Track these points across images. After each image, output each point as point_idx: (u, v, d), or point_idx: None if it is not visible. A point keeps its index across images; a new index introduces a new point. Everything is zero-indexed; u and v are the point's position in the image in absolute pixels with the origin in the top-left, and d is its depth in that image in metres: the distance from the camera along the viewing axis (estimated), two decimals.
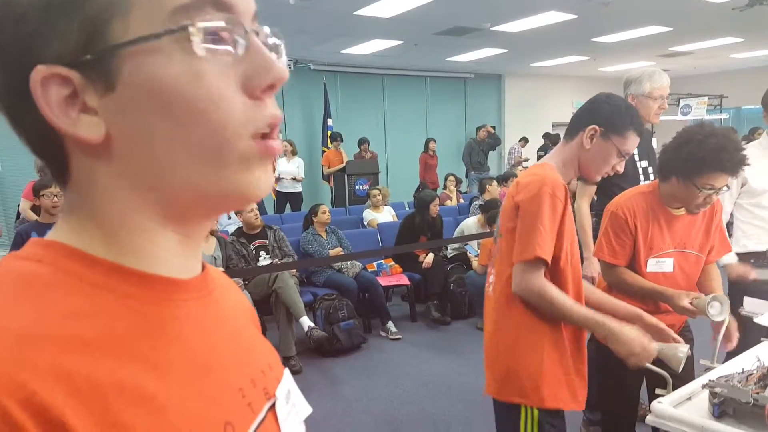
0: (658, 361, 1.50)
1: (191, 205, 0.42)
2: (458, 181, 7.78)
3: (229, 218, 5.33)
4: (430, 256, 4.79)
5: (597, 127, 1.51)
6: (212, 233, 4.02)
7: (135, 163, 0.40)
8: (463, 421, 2.95)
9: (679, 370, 1.47)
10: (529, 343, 1.53)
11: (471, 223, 4.93)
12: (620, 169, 1.56)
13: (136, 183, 0.41)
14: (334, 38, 7.51)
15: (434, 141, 9.18)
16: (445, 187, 7.70)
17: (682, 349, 1.45)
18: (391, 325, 4.35)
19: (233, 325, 0.49)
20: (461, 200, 7.39)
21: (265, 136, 0.42)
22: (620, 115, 1.52)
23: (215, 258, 3.88)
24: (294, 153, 7.56)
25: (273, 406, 0.49)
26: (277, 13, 6.05)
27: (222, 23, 0.38)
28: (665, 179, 1.79)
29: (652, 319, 1.59)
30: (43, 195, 3.32)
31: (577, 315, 1.48)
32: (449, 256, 5.11)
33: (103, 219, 0.41)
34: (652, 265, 1.84)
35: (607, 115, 1.52)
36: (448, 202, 7.06)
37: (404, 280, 4.69)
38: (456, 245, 5.07)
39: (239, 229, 4.27)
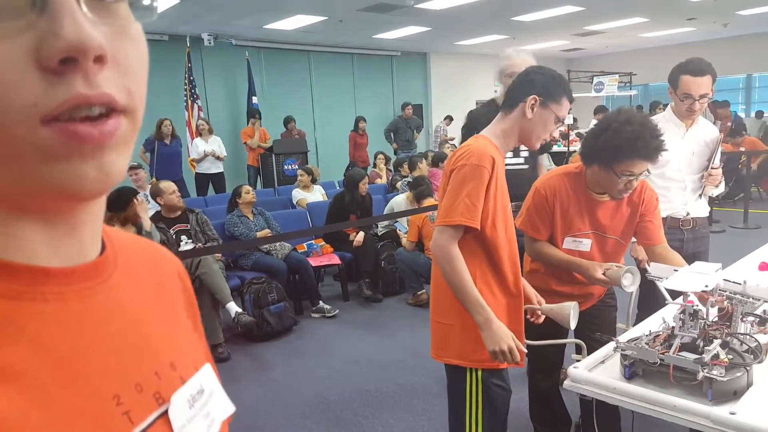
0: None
1: (18, 200, 0.35)
2: (387, 159, 7.79)
3: (149, 202, 5.05)
4: (361, 235, 4.79)
5: (537, 97, 1.59)
6: (133, 223, 3.78)
7: None
8: (394, 396, 2.99)
9: (572, 327, 1.59)
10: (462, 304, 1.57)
11: (400, 201, 4.96)
12: (556, 134, 1.64)
13: None
14: (255, 12, 7.21)
15: (364, 120, 9.08)
16: (374, 165, 7.68)
17: (567, 306, 1.60)
18: (322, 304, 4.32)
19: (132, 318, 0.43)
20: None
21: (72, 120, 0.33)
22: (555, 83, 1.62)
23: None
24: (211, 132, 7.27)
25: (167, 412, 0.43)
26: None
27: None
28: (588, 166, 1.84)
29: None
30: None
31: (467, 291, 1.52)
32: (379, 233, 5.13)
33: None
34: (569, 243, 1.91)
35: (543, 84, 1.61)
36: (378, 180, 7.06)
37: (335, 260, 4.66)
38: (386, 223, 5.09)
39: (157, 213, 4.06)
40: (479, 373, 1.59)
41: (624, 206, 1.92)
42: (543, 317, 1.69)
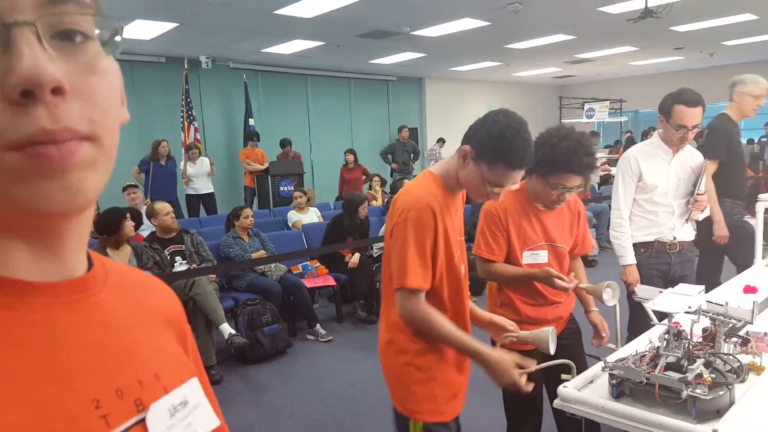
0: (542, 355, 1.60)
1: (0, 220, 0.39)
2: (383, 182, 7.85)
3: (143, 223, 5.08)
4: (356, 256, 4.81)
5: (468, 149, 1.44)
6: (127, 241, 3.81)
7: None
8: (388, 419, 2.97)
9: (551, 351, 1.55)
10: (408, 355, 1.52)
11: None
12: (499, 199, 1.50)
13: None
14: (254, 37, 7.35)
15: (352, 152, 8.45)
16: (370, 187, 7.75)
17: (545, 330, 1.57)
18: (319, 327, 4.32)
19: (118, 329, 0.46)
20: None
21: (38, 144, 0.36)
22: (491, 142, 1.40)
23: None
24: (198, 155, 7.33)
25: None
26: (195, 10, 5.84)
27: None
28: (528, 176, 1.91)
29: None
30: None
31: (456, 340, 1.47)
32: (375, 255, 5.15)
33: None
34: (528, 257, 1.93)
35: (480, 139, 1.43)
36: (374, 202, 7.12)
37: (330, 281, 4.67)
38: (381, 244, 5.12)
39: (152, 233, 4.08)
40: (420, 424, 1.52)
41: (565, 215, 2.00)
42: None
